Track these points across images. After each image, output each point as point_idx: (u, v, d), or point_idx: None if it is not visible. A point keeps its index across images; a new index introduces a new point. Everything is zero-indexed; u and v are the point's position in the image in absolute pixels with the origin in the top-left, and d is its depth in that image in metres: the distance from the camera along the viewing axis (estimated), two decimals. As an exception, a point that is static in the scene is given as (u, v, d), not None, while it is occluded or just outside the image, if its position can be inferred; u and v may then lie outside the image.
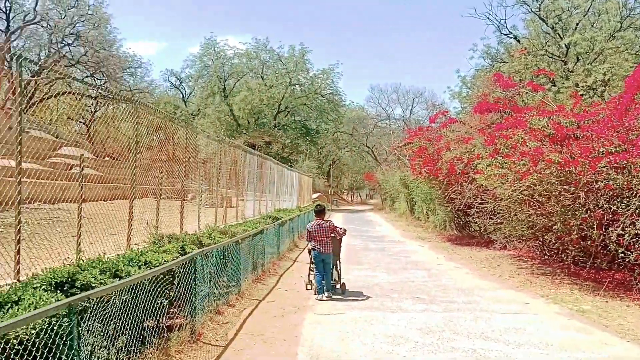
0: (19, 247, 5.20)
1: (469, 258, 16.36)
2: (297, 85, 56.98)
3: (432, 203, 26.04)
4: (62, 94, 42.90)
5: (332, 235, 10.50)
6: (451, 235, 23.68)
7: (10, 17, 39.62)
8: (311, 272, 11.02)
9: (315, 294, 10.19)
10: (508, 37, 37.79)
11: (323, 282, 10.16)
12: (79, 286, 4.56)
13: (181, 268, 6.32)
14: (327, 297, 9.88)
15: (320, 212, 10.81)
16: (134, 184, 7.88)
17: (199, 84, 59.23)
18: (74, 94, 43.56)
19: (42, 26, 41.88)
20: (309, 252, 10.98)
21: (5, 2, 38.86)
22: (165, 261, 6.14)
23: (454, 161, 18.42)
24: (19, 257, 5.18)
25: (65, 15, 42.32)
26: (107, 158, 32.44)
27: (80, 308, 3.91)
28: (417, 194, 28.87)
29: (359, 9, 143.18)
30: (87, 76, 44.40)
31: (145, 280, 5.16)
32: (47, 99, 42.40)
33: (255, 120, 54.96)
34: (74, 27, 43.07)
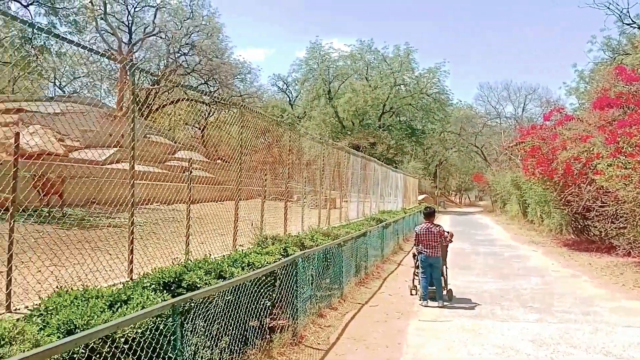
0: (132, 247, 5.47)
1: (587, 265, 15.16)
2: (402, 85, 56.34)
3: (547, 205, 24.50)
4: (179, 101, 45.63)
5: (440, 239, 10.11)
6: (568, 239, 22.13)
7: (132, 30, 42.67)
8: (416, 277, 10.71)
9: (420, 300, 9.88)
10: (631, 27, 34.89)
11: (431, 287, 9.83)
12: (185, 286, 4.70)
13: (283, 270, 6.35)
14: (439, 305, 9.53)
15: (429, 214, 10.44)
16: (238, 185, 8.06)
17: (305, 87, 60.39)
18: (189, 100, 46.24)
19: (161, 37, 44.78)
20: (414, 256, 10.68)
21: (127, 17, 41.93)
22: (267, 263, 6.20)
23: (571, 161, 17.17)
24: (132, 257, 5.45)
25: (182, 27, 44.91)
26: (218, 161, 33.92)
27: (184, 308, 4.00)
28: (530, 195, 27.35)
29: (466, 5, 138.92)
30: (201, 84, 46.89)
31: (248, 281, 5.22)
32: (165, 106, 45.27)
33: (360, 122, 55.02)
34: (189, 37, 45.59)
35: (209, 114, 48.30)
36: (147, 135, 34.45)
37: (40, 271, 6.75)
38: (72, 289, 3.95)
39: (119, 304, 3.77)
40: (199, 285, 4.75)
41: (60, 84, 49.07)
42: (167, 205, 18.62)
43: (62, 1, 19.57)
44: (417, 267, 10.55)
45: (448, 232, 10.43)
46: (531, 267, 14.88)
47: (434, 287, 9.90)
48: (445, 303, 9.64)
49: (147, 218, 16.02)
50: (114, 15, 42.04)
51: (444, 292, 10.05)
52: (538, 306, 9.57)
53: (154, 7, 42.88)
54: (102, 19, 39.78)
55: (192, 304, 4.11)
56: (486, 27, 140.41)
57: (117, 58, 5.87)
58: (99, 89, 47.83)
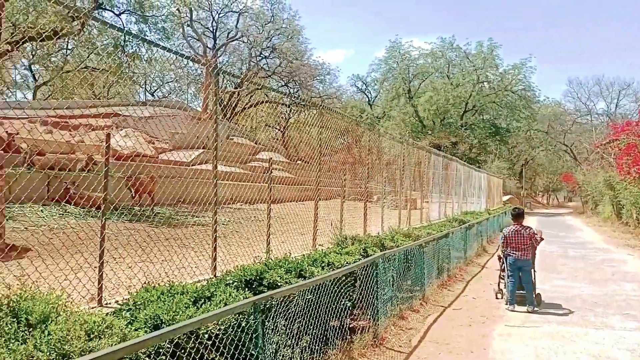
0: (215, 245, 5.59)
1: (693, 272, 13.98)
2: (485, 83, 54.62)
3: (645, 207, 22.89)
4: (260, 103, 46.70)
5: (530, 242, 9.62)
6: (669, 244, 20.54)
7: (217, 36, 44.11)
8: (502, 280, 10.29)
9: (506, 304, 9.47)
10: None
11: (519, 291, 9.41)
12: (266, 284, 4.73)
13: (363, 270, 6.27)
14: (527, 310, 9.11)
15: (518, 216, 9.97)
16: (318, 185, 8.07)
17: (384, 87, 59.91)
18: (270, 102, 47.21)
19: (243, 42, 46.04)
20: (500, 258, 10.27)
21: (212, 22, 43.40)
22: (347, 263, 6.14)
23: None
24: (215, 255, 5.57)
25: (263, 30, 45.93)
26: (298, 161, 34.31)
27: (265, 306, 4.02)
28: (624, 196, 25.65)
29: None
30: (281, 85, 47.72)
31: (328, 281, 5.19)
32: (247, 108, 46.45)
33: (441, 121, 53.86)
34: (270, 40, 46.53)
35: (289, 115, 49.05)
36: (230, 137, 35.53)
37: (130, 267, 7.08)
38: (159, 284, 4.07)
39: (202, 300, 3.84)
40: (279, 284, 4.77)
41: (150, 89, 51.67)
42: (250, 205, 19.10)
43: (151, 9, 20.49)
44: (503, 270, 10.13)
45: (538, 233, 9.93)
46: (627, 271, 13.90)
47: (522, 291, 9.46)
48: (534, 308, 9.19)
49: (231, 217, 16.48)
50: (199, 22, 43.68)
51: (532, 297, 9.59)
52: (636, 314, 8.91)
53: (236, 12, 44.13)
54: (188, 25, 41.44)
55: (273, 302, 4.13)
56: (574, 20, 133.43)
57: (200, 60, 6.03)
58: (185, 93, 49.88)
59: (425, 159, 16.90)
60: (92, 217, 14.05)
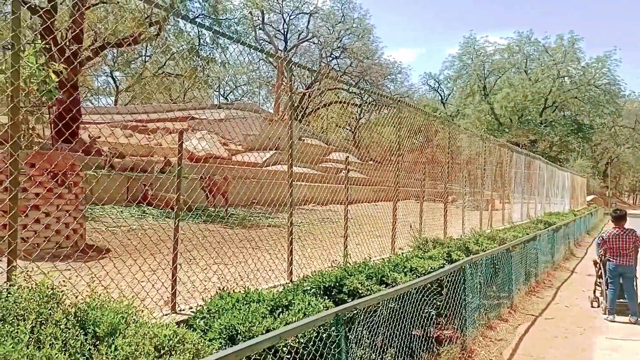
0: (292, 248, 5.29)
1: None
2: (566, 78, 51.88)
3: None
4: (331, 104, 46.58)
5: (634, 246, 8.71)
6: None
7: (288, 38, 44.40)
8: (598, 287, 9.44)
9: (604, 314, 8.64)
10: None
11: (620, 300, 8.56)
12: (346, 292, 4.37)
13: (449, 277, 5.78)
14: (631, 321, 8.27)
15: (619, 218, 9.08)
16: (396, 185, 7.63)
17: (458, 84, 58.24)
18: (341, 103, 47.01)
19: (314, 43, 46.06)
20: (595, 263, 9.42)
21: (283, 25, 43.73)
22: (431, 268, 5.67)
23: None
24: (291, 258, 5.27)
25: (333, 31, 45.79)
26: (370, 162, 33.85)
27: (347, 317, 3.65)
28: None
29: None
30: (352, 85, 47.34)
31: (412, 288, 4.75)
32: (319, 109, 46.45)
33: (519, 118, 51.64)
34: (340, 40, 46.32)
35: (360, 115, 48.76)
36: (302, 138, 35.56)
37: (204, 270, 6.92)
38: (233, 290, 3.80)
39: (280, 309, 3.52)
40: (360, 292, 4.39)
41: (224, 93, 52.80)
42: (323, 206, 18.86)
43: (225, 12, 20.69)
44: (600, 277, 9.28)
45: None
46: None
47: (623, 300, 8.60)
48: (637, 319, 8.31)
49: (304, 218, 16.28)
50: (270, 25, 44.16)
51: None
52: None
53: (307, 13, 44.23)
54: (260, 29, 41.95)
55: (357, 313, 3.75)
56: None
57: (274, 54, 5.80)
58: (257, 96, 50.57)
59: (507, 157, 16.00)
60: (168, 217, 14.24)
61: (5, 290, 2.55)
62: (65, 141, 16.66)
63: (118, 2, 19.11)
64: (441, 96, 64.97)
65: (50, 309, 2.41)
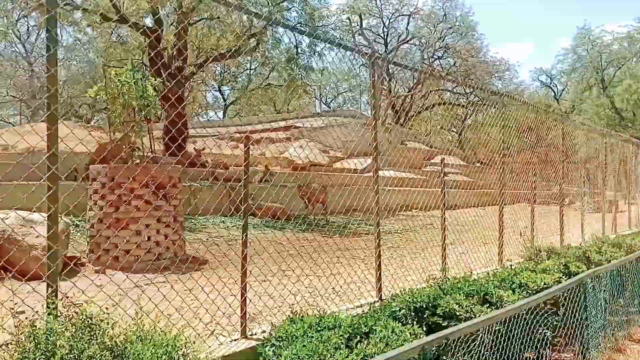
0: (379, 262, 4.79)
1: None
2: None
3: None
4: (435, 106, 45.32)
5: None
6: None
7: (387, 41, 43.77)
8: None
9: None
10: None
11: None
12: (441, 313, 3.80)
13: (566, 293, 4.98)
14: None
15: None
16: (502, 188, 6.86)
17: (572, 78, 54.39)
18: (445, 104, 45.57)
19: (415, 44, 45.06)
20: None
21: (382, 28, 43.21)
22: (545, 284, 4.91)
23: None
24: (379, 274, 4.77)
25: (435, 31, 44.54)
26: (477, 164, 32.30)
27: (437, 351, 3.10)
28: None
29: None
30: (456, 86, 45.73)
31: (521, 311, 4.07)
32: (421, 112, 45.38)
33: (644, 111, 47.09)
34: (442, 40, 44.93)
35: (466, 116, 47.02)
36: (404, 142, 34.75)
37: (295, 284, 6.59)
38: (307, 314, 3.39)
39: (358, 337, 3.06)
40: (457, 313, 3.80)
41: (326, 101, 53.22)
42: (425, 212, 18.06)
43: (321, 20, 20.60)
44: None
45: None
46: None
47: None
48: None
49: (405, 225, 15.62)
50: (370, 29, 43.82)
51: None
52: None
53: (407, 15, 43.40)
54: (360, 34, 41.73)
55: (448, 344, 3.18)
56: None
57: (360, 50, 5.38)
58: (359, 102, 50.50)
59: (632, 154, 14.33)
60: (268, 227, 14.23)
61: (40, 319, 2.33)
62: (172, 154, 17.30)
63: (219, 18, 19.66)
64: (554, 92, 60.98)
65: (86, 342, 2.14)
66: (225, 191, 15.29)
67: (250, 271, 5.50)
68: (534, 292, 4.72)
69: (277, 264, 7.38)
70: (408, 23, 42.78)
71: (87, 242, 9.04)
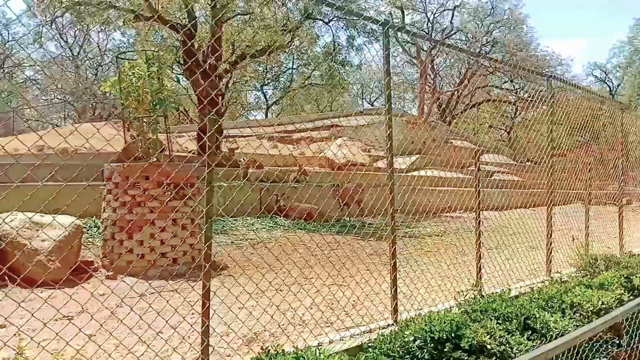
0: (395, 275, 3.98)
1: None
2: None
3: None
4: (482, 103, 43.71)
5: None
6: None
7: (432, 36, 42.42)
8: None
9: None
10: None
11: None
12: (467, 347, 2.97)
13: (632, 318, 4.04)
14: None
15: None
16: (551, 185, 5.91)
17: (629, 72, 51.66)
18: (493, 101, 43.89)
19: (460, 40, 43.54)
20: None
21: (427, 23, 41.93)
22: (603, 304, 3.97)
23: None
24: (395, 290, 3.95)
25: (482, 25, 42.96)
26: (527, 162, 30.76)
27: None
28: None
29: None
30: (505, 82, 43.98)
31: (574, 344, 3.19)
32: (468, 109, 43.87)
33: None
34: (490, 34, 43.27)
35: (515, 113, 45.26)
36: (449, 140, 33.46)
37: (310, 295, 5.83)
38: (284, 353, 2.62)
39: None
40: (488, 346, 2.96)
41: (369, 100, 52.27)
42: (470, 213, 16.96)
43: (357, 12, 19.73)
44: None
45: None
46: None
47: None
48: None
49: (448, 227, 14.61)
50: (414, 25, 42.57)
51: None
52: None
53: (451, 9, 42.02)
54: (405, 31, 40.51)
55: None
56: None
57: (371, 17, 4.63)
58: (403, 100, 49.39)
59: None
60: (300, 229, 13.54)
61: None
62: (213, 154, 16.82)
63: (253, 13, 19.14)
64: (609, 87, 57.99)
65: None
66: (263, 192, 14.69)
67: (272, 280, 4.79)
68: (590, 314, 3.80)
69: (299, 270, 6.65)
70: (452, 16, 41.25)
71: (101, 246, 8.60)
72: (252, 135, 28.03)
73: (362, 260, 8.12)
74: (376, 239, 12.53)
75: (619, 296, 4.35)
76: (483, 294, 4.27)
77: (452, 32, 40.75)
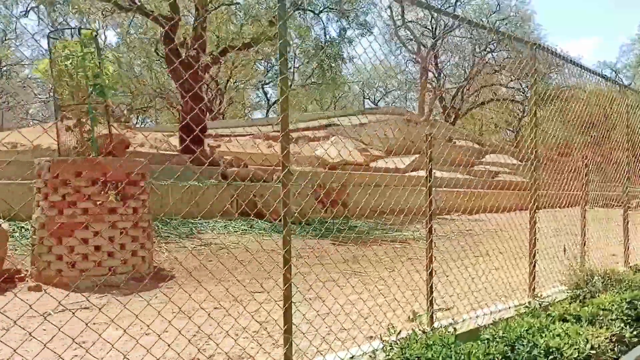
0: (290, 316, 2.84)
1: None
2: None
3: None
4: (488, 102, 42.57)
5: None
6: None
7: (436, 34, 41.27)
8: None
9: None
10: None
11: None
12: None
13: None
14: None
15: None
16: (534, 186, 4.74)
17: (639, 71, 50.40)
18: (498, 100, 42.71)
19: (465, 37, 42.40)
20: None
21: (430, 20, 40.84)
22: (592, 349, 2.83)
23: None
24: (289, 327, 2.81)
25: (487, 22, 41.77)
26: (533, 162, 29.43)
27: None
28: None
29: None
30: (511, 80, 42.75)
31: None
32: (472, 109, 42.76)
33: None
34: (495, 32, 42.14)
35: (522, 113, 44.22)
36: (452, 139, 32.28)
37: (254, 315, 4.69)
38: None
39: None
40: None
41: (374, 99, 51.20)
42: (469, 215, 15.80)
43: (351, 4, 18.62)
44: None
45: None
46: None
47: None
48: None
49: (441, 230, 13.43)
50: (417, 22, 41.47)
51: None
52: None
53: (454, 5, 40.90)
54: (406, 27, 39.47)
55: None
56: None
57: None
58: (408, 100, 48.43)
59: None
60: (276, 232, 12.44)
61: None
62: (188, 152, 15.87)
63: (238, 3, 18.11)
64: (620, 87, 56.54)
65: None
66: (239, 193, 13.62)
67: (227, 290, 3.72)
68: (573, 363, 2.65)
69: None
70: (454, 9, 39.90)
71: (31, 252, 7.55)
72: (246, 135, 27.19)
73: (327, 269, 6.95)
74: (358, 243, 11.44)
75: (617, 334, 3.19)
76: (435, 324, 3.15)
77: (456, 27, 39.53)
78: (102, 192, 7.32)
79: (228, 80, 35.65)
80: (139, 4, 16.19)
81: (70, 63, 7.30)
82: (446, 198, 15.60)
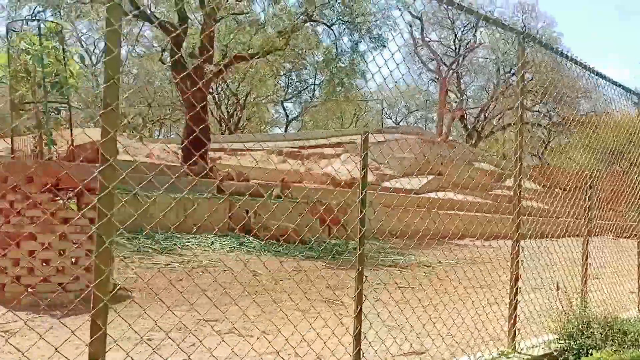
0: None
1: None
2: None
3: None
4: (510, 125, 41.54)
5: None
6: None
7: (459, 54, 40.50)
8: None
9: None
10: None
11: None
12: None
13: None
14: None
15: None
16: (517, 212, 3.85)
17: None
18: (522, 123, 41.52)
19: (489, 58, 41.54)
20: None
21: (454, 40, 40.04)
22: None
23: None
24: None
25: (512, 43, 40.85)
26: (556, 190, 28.26)
27: None
28: None
29: None
30: (536, 104, 41.62)
31: None
32: (496, 132, 41.76)
33: None
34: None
35: (548, 138, 43.12)
36: (472, 162, 31.27)
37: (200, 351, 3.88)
38: None
39: None
40: None
41: (395, 119, 50.55)
42: (483, 241, 14.78)
43: (363, 16, 17.97)
44: None
45: None
46: None
47: None
48: None
49: (449, 256, 12.45)
50: (440, 42, 40.78)
51: None
52: None
53: (479, 26, 40.05)
54: (425, 46, 38.79)
55: None
56: None
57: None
58: (424, 120, 47.78)
59: None
60: (268, 251, 11.65)
61: None
62: (192, 164, 15.30)
63: (248, 13, 17.64)
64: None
65: None
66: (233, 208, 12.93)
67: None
68: None
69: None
70: (475, 29, 38.85)
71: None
72: (258, 150, 26.78)
73: (300, 297, 6.09)
74: (349, 266, 10.57)
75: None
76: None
77: (476, 45, 38.61)
78: (55, 200, 6.67)
79: (247, 95, 35.36)
80: (149, 12, 15.85)
81: (23, 54, 6.69)
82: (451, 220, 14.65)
